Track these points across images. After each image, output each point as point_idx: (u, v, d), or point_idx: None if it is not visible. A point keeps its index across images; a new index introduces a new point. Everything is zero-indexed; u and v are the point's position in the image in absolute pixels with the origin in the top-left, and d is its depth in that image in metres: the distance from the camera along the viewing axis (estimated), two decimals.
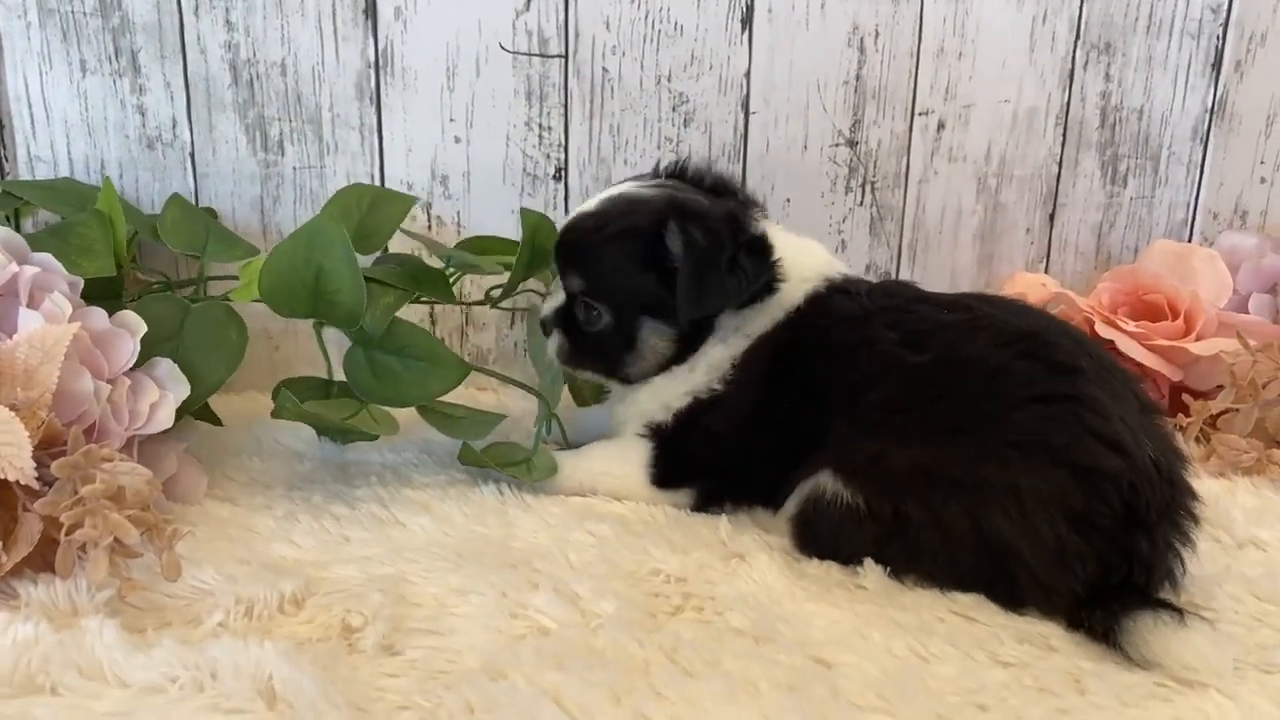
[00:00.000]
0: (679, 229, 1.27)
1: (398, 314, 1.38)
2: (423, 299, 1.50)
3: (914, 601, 1.14)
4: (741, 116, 1.78)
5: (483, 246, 1.61)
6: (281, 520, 1.27)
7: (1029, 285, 1.82)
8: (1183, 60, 1.89)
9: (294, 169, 1.68)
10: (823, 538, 1.22)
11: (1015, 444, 1.14)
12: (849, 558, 1.20)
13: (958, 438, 1.16)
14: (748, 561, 1.20)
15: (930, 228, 1.91)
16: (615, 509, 1.35)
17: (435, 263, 1.53)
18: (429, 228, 1.74)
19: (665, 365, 1.35)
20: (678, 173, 1.44)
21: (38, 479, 1.04)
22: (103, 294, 1.36)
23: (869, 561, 1.19)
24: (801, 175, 1.81)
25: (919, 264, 1.92)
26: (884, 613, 1.12)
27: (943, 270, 1.93)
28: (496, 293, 1.53)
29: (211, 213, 1.66)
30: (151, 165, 1.63)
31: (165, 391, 1.26)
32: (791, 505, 1.26)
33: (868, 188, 1.86)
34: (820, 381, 1.27)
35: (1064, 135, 1.90)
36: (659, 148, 1.76)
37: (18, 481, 1.03)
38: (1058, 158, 1.91)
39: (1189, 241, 1.96)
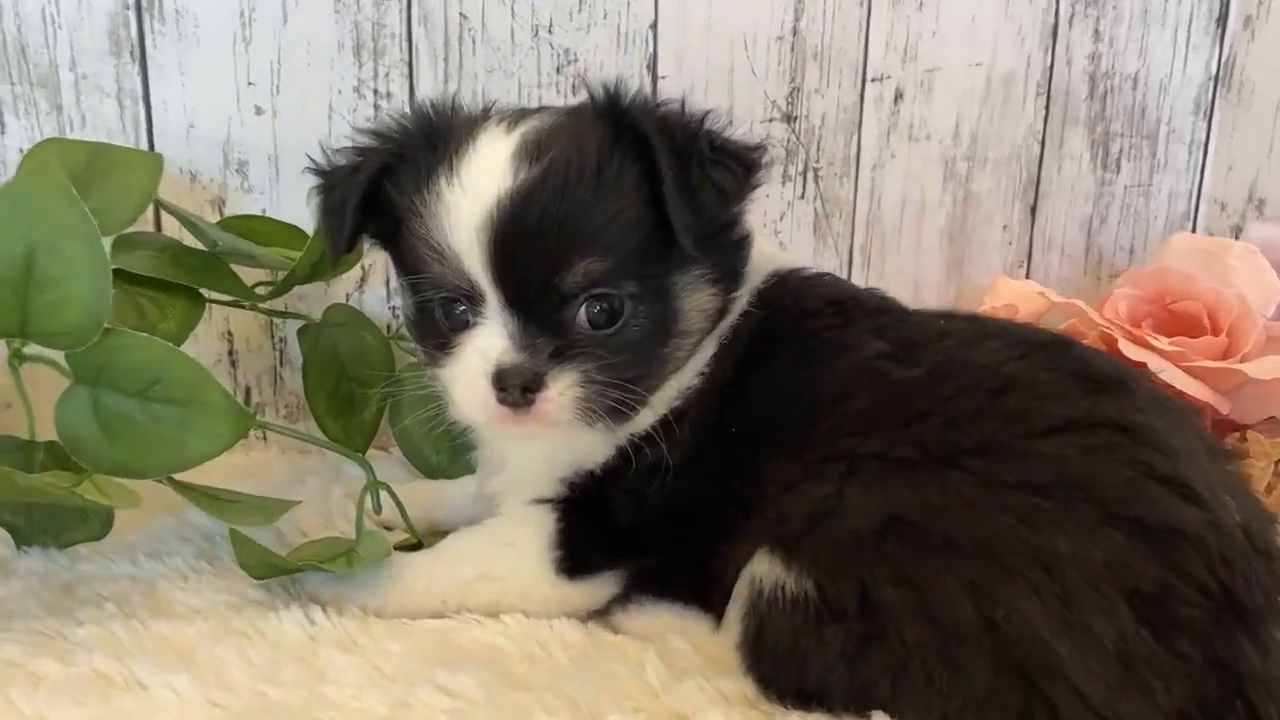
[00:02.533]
0: (656, 125, 0.88)
1: (148, 334, 0.95)
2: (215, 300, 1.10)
3: None
4: (648, 82, 1.39)
5: (251, 229, 1.18)
6: None
7: (1018, 295, 1.41)
8: (1183, 15, 1.54)
9: (21, 151, 1.22)
10: (781, 664, 0.82)
11: (1043, 488, 0.77)
12: (826, 687, 0.80)
13: (950, 475, 0.79)
14: None
15: (887, 225, 1.52)
16: (486, 637, 0.92)
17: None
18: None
19: (710, 330, 0.96)
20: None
21: None
22: None
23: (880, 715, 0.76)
24: None
25: (874, 270, 1.53)
26: None
27: (904, 278, 1.53)
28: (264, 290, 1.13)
29: None
30: None
31: None
32: (734, 624, 0.86)
33: (810, 175, 1.47)
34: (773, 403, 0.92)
35: (1047, 107, 1.52)
36: None
37: None
38: (1040, 135, 1.53)
39: None
